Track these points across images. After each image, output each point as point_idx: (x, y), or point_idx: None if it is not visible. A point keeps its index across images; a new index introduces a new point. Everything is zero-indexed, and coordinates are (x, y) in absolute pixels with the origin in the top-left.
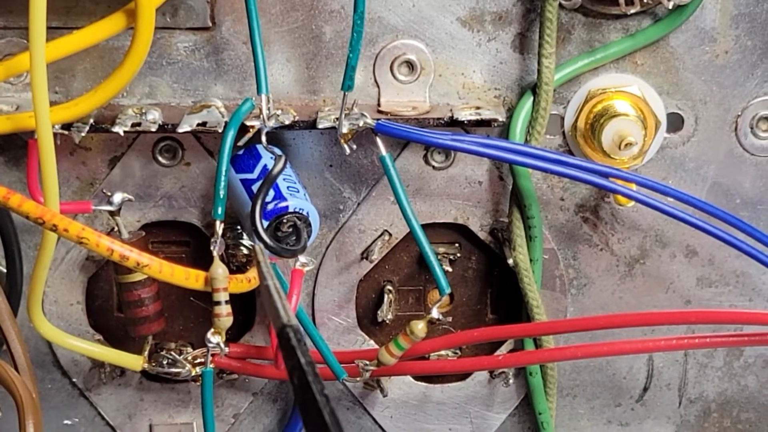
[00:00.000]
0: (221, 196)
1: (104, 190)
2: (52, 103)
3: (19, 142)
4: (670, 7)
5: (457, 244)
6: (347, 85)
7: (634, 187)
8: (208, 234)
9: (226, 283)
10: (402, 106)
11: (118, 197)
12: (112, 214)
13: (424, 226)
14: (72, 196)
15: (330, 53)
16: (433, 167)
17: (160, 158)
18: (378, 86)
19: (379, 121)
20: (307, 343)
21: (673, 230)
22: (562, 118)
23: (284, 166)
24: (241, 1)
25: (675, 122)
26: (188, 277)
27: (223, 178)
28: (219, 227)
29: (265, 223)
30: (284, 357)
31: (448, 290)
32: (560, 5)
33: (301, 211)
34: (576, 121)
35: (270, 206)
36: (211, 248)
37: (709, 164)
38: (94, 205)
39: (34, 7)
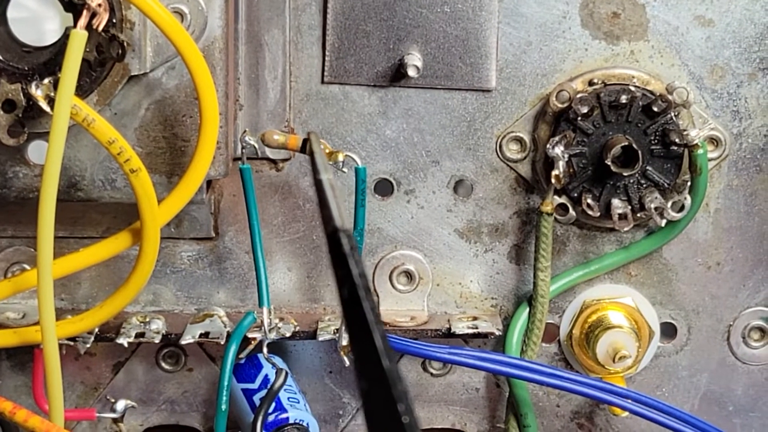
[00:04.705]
0: (223, 410)
1: (108, 396)
2: (58, 311)
3: (25, 348)
4: (663, 225)
5: None
6: None
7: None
8: None
9: None
10: (401, 316)
11: (121, 404)
12: (115, 421)
13: (423, 431)
14: (76, 400)
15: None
16: (432, 374)
17: (163, 364)
18: (377, 295)
19: None
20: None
21: None
22: (558, 327)
23: (285, 381)
24: (243, 212)
25: (668, 332)
26: None
27: (225, 393)
28: None
29: None
30: (334, 266)
31: None
32: (555, 219)
33: (301, 422)
34: (571, 330)
35: (271, 417)
36: None
37: (702, 372)
38: (97, 413)
39: (42, 223)
